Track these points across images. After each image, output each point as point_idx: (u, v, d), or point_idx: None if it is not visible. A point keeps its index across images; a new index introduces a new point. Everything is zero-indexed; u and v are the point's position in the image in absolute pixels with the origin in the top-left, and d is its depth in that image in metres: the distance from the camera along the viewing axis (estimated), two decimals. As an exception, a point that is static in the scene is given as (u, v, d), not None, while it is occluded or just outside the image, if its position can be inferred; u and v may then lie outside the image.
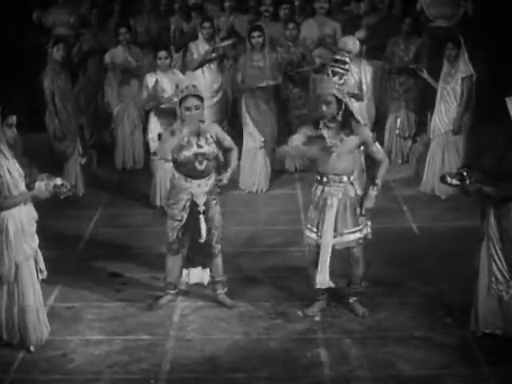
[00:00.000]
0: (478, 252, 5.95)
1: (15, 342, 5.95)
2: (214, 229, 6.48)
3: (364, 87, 8.78)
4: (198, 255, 6.65)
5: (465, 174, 5.74)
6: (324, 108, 6.06)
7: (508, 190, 5.66)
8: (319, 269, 6.21)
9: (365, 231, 6.32)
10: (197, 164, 6.29)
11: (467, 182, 5.72)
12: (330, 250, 6.19)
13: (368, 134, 6.28)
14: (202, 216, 6.39)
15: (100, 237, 8.19)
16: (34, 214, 5.87)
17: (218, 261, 6.62)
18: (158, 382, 5.60)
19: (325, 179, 6.18)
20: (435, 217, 8.45)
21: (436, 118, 9.06)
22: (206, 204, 6.38)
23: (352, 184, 6.22)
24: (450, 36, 9.01)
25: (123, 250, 7.82)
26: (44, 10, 11.17)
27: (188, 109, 6.23)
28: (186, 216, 6.41)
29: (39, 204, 5.95)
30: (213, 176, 6.42)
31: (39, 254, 5.94)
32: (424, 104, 10.07)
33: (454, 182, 5.81)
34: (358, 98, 8.60)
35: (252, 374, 5.68)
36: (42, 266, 5.96)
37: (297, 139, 6.21)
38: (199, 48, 9.99)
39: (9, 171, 5.65)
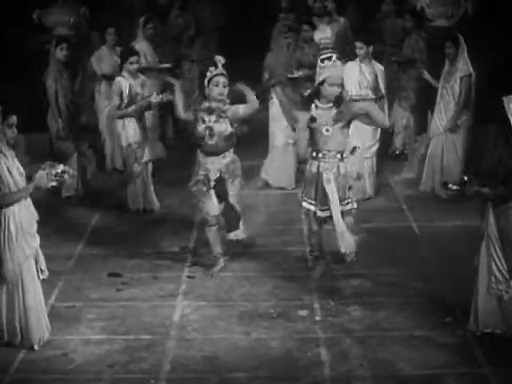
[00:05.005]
0: (478, 251, 5.95)
1: (17, 341, 5.95)
2: (231, 197, 7.08)
3: (381, 87, 8.89)
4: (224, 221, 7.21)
5: (465, 178, 5.75)
6: (330, 89, 6.62)
7: (506, 190, 5.66)
8: (340, 238, 6.65)
9: (354, 205, 6.81)
10: (207, 138, 6.90)
11: (467, 186, 5.73)
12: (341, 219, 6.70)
13: (353, 106, 6.80)
14: (212, 191, 6.99)
15: (100, 236, 8.18)
16: (35, 214, 5.88)
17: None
18: (158, 382, 5.61)
19: (320, 155, 6.71)
20: (435, 216, 8.44)
21: (435, 117, 9.07)
22: (220, 181, 6.98)
23: (343, 161, 6.73)
24: (449, 35, 9.02)
25: (123, 249, 7.82)
26: (44, 10, 11.16)
27: (217, 84, 6.89)
28: (205, 189, 6.98)
29: (39, 204, 5.96)
30: (230, 155, 7.00)
31: (40, 253, 5.94)
32: (425, 103, 10.08)
33: (455, 187, 5.85)
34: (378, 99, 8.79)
35: (252, 373, 5.68)
36: (43, 265, 5.97)
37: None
38: (142, 48, 10.00)
39: (8, 170, 5.66)
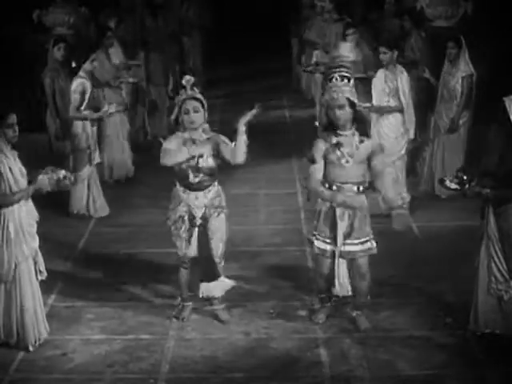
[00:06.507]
0: (478, 251, 5.95)
1: (12, 341, 5.95)
2: (215, 242, 6.21)
3: (401, 95, 8.34)
4: (200, 269, 6.30)
5: (464, 177, 5.72)
6: (338, 113, 5.86)
7: (507, 191, 5.65)
8: (338, 277, 6.12)
9: (369, 244, 6.13)
10: (191, 176, 6.07)
11: (466, 185, 5.70)
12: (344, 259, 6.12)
13: (378, 142, 6.09)
14: (196, 229, 6.16)
15: (100, 236, 8.19)
16: (35, 215, 5.87)
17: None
18: (157, 382, 5.60)
19: (334, 188, 5.97)
20: (435, 216, 8.44)
21: (436, 117, 9.07)
22: (204, 217, 6.16)
23: (361, 194, 6.02)
24: (451, 35, 9.03)
25: (123, 249, 7.82)
26: (44, 10, 11.16)
27: (187, 112, 6.05)
28: (186, 227, 6.18)
29: (39, 204, 5.95)
30: (214, 188, 6.18)
31: (39, 254, 5.93)
32: (425, 104, 10.08)
33: (453, 186, 5.78)
34: (397, 109, 8.34)
35: (252, 373, 5.68)
36: (42, 267, 5.95)
37: (319, 168, 5.98)
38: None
39: (10, 169, 5.65)
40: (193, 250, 6.23)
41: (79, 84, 8.41)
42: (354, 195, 5.98)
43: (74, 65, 8.79)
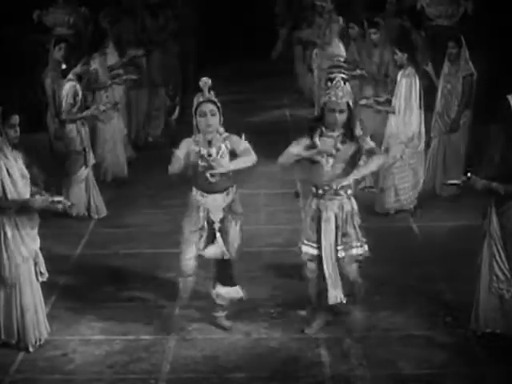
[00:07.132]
0: (480, 250, 5.95)
1: (13, 342, 5.95)
2: (229, 248, 6.08)
3: (394, 98, 8.34)
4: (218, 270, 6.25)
5: (468, 174, 5.70)
6: (337, 116, 5.76)
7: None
8: (330, 285, 5.93)
9: (361, 250, 5.99)
10: (208, 176, 5.94)
11: (469, 175, 5.67)
12: (335, 264, 5.92)
13: (364, 140, 5.87)
14: (218, 234, 6.04)
15: (100, 237, 8.19)
16: (36, 216, 5.86)
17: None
18: (158, 382, 5.61)
19: (320, 191, 5.89)
20: (435, 216, 8.44)
21: (437, 117, 9.06)
22: (223, 221, 6.05)
23: (349, 198, 5.92)
24: (452, 35, 9.02)
25: (123, 250, 7.82)
26: (44, 10, 11.17)
27: (203, 114, 5.94)
28: (203, 232, 6.07)
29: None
30: (232, 191, 6.08)
31: (40, 255, 5.92)
32: (425, 103, 10.08)
33: (456, 181, 5.77)
34: (390, 110, 8.38)
35: (252, 373, 5.69)
36: (43, 268, 5.95)
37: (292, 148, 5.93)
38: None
39: (8, 171, 5.64)
40: (192, 262, 6.13)
41: (71, 87, 8.41)
42: (342, 198, 5.89)
43: (64, 67, 8.76)
